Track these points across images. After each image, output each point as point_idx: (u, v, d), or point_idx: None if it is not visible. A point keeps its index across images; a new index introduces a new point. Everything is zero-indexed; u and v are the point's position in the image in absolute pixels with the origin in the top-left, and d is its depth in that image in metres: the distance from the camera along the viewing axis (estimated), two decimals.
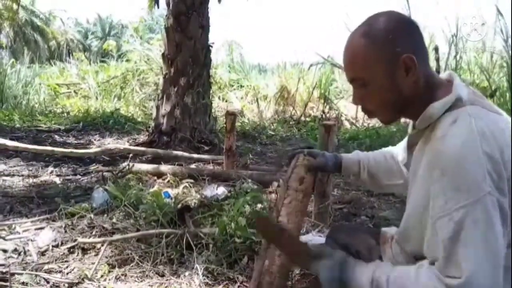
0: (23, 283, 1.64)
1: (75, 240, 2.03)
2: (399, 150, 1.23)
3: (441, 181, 0.81)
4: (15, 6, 10.15)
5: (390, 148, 1.29)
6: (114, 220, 2.28)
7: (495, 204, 0.78)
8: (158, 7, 5.81)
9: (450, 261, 0.76)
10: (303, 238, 1.72)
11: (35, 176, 3.37)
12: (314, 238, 1.99)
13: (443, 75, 1.00)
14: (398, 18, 0.93)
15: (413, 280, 0.80)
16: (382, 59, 0.90)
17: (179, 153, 4.04)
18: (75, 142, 4.94)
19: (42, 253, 1.94)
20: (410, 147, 1.02)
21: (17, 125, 5.58)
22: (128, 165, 3.37)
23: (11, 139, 4.36)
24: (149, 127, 4.98)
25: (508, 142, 0.83)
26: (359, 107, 1.03)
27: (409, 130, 1.08)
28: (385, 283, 0.83)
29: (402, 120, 1.15)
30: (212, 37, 5.18)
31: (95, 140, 5.11)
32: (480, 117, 0.83)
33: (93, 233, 2.15)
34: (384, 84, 0.91)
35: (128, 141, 4.96)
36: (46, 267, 1.79)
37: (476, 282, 0.73)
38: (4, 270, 1.70)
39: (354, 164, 1.26)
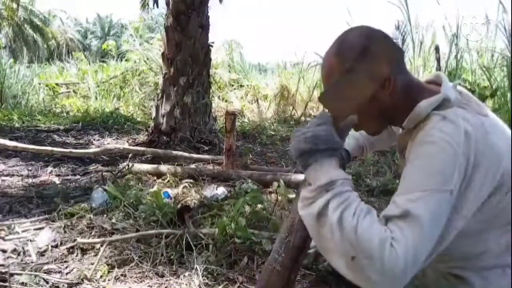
0: (22, 284, 1.64)
1: (75, 240, 2.02)
2: None
3: (413, 164, 0.84)
4: (14, 5, 10.13)
5: None
6: (113, 221, 2.27)
7: (449, 205, 0.79)
8: (157, 7, 5.81)
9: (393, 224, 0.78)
10: None
11: (34, 176, 3.36)
12: None
13: (429, 76, 1.03)
14: (368, 32, 0.95)
15: (354, 220, 0.79)
16: (356, 76, 0.91)
17: (179, 153, 4.03)
18: (75, 142, 4.93)
19: (41, 254, 1.93)
20: (401, 151, 1.03)
21: (16, 125, 5.56)
22: (128, 165, 3.36)
23: (10, 139, 4.35)
24: (149, 127, 4.97)
25: (489, 145, 0.84)
26: None
27: (398, 132, 1.11)
28: (330, 200, 0.82)
29: None
30: (212, 36, 5.16)
31: (94, 140, 5.09)
32: (467, 119, 0.85)
33: (93, 233, 2.14)
34: (363, 100, 0.93)
35: (127, 141, 4.94)
36: (45, 267, 1.78)
37: (411, 250, 0.74)
38: (3, 271, 1.69)
39: (358, 152, 1.39)
